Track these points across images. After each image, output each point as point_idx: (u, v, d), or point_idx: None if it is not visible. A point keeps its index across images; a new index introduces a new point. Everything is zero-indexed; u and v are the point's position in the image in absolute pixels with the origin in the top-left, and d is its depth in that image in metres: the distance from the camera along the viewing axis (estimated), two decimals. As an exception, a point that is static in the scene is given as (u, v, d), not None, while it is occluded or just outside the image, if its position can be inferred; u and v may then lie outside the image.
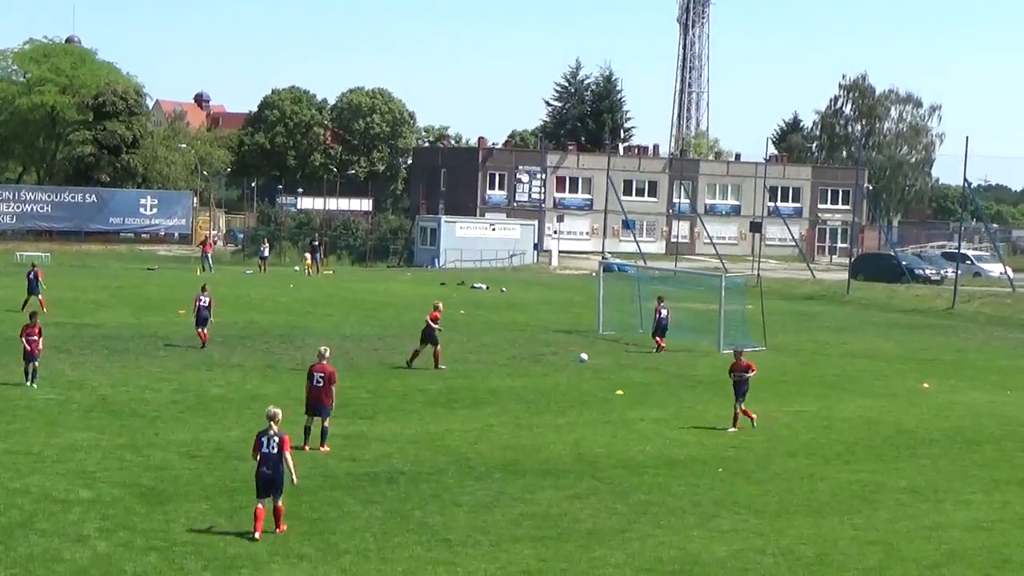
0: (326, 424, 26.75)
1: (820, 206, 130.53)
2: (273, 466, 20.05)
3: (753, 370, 31.34)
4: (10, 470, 23.70)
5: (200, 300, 42.31)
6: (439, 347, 39.17)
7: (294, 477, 20.38)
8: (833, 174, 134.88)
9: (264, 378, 35.84)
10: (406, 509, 22.08)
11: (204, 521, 20.76)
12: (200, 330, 41.98)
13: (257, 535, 19.64)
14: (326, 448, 26.47)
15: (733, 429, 30.55)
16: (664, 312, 45.45)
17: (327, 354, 27.52)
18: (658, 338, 45.30)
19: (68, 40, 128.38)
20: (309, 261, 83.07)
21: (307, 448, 26.25)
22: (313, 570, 18.59)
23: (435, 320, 39.06)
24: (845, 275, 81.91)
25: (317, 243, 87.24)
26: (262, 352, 41.34)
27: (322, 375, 26.79)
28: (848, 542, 21.12)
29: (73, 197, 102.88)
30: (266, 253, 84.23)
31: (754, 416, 30.94)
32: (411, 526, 21.02)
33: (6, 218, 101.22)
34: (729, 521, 22.20)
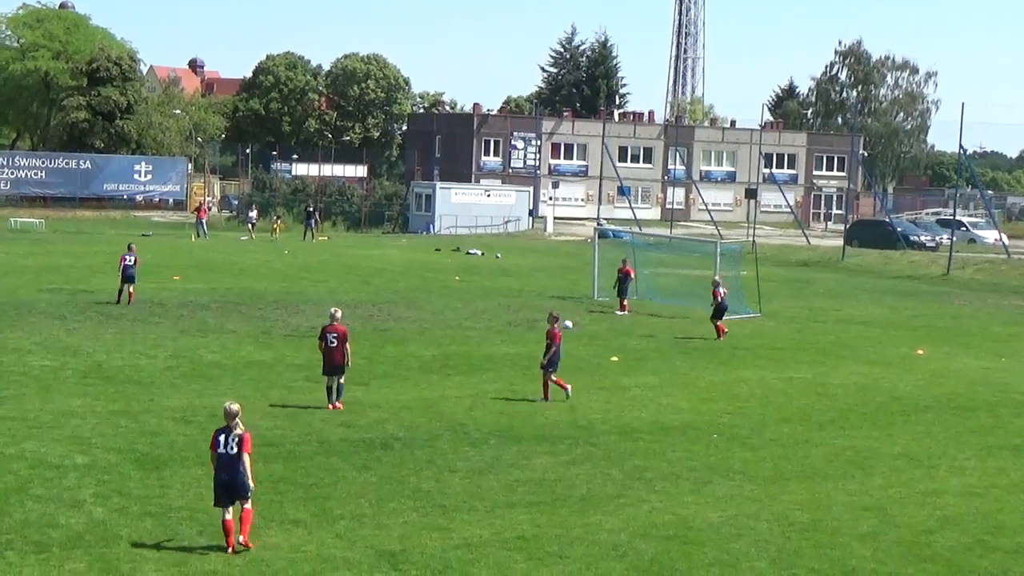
0: (341, 381, 27.37)
1: (815, 173, 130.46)
2: (232, 468, 18.05)
3: (557, 341, 29.58)
4: (5, 436, 23.71)
5: (125, 260, 43.40)
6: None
7: (251, 482, 18.16)
8: (828, 141, 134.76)
9: (258, 344, 35.84)
10: (401, 475, 22.11)
11: (199, 487, 20.76)
12: (127, 287, 43.17)
13: (230, 550, 17.79)
14: (339, 405, 27.11)
15: (545, 400, 29.15)
16: (723, 293, 41.83)
17: (338, 315, 27.87)
18: (718, 322, 41.23)
19: (61, 5, 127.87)
20: (277, 224, 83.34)
21: (330, 407, 27.02)
22: (308, 536, 18.61)
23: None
24: (840, 242, 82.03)
25: (312, 209, 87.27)
26: (257, 318, 41.33)
27: (335, 335, 27.25)
28: (842, 508, 21.16)
29: (67, 163, 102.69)
30: (255, 219, 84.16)
31: (567, 387, 29.45)
32: (406, 492, 21.05)
33: (0, 184, 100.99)
34: (723, 487, 22.25)
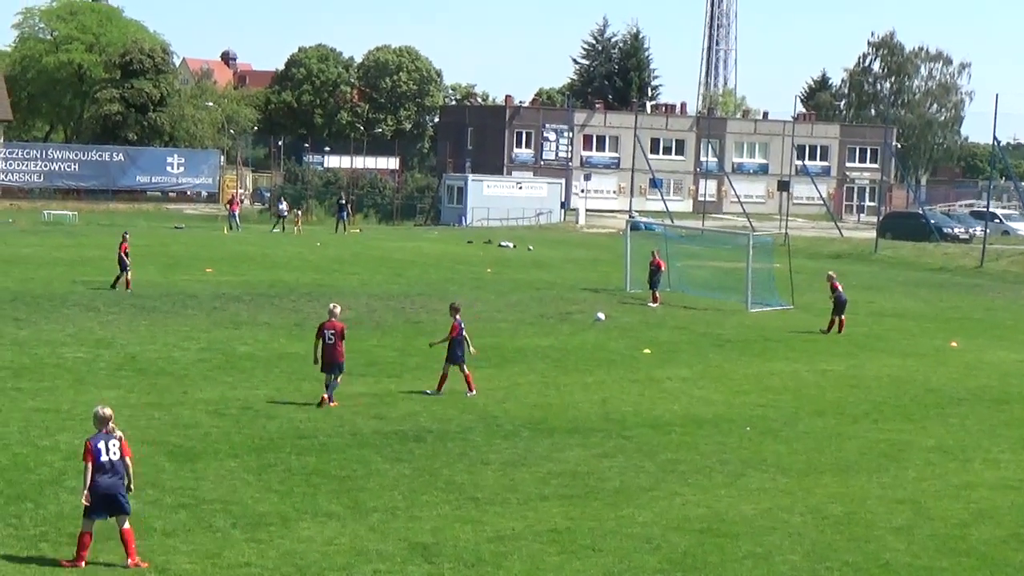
0: (338, 381, 27.13)
1: (848, 164, 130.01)
2: (117, 477, 16.72)
3: (454, 334, 28.73)
4: (39, 428, 23.81)
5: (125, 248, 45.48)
6: None
7: (131, 484, 17.06)
8: (861, 132, 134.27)
9: (291, 336, 35.88)
10: (434, 467, 22.11)
11: (233, 479, 20.83)
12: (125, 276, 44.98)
13: (82, 564, 16.59)
14: (334, 403, 26.82)
15: (436, 393, 28.41)
16: (840, 288, 41.79)
17: (337, 311, 27.76)
18: (840, 316, 41.28)
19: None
20: (297, 218, 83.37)
21: (329, 403, 26.72)
22: (342, 528, 18.63)
23: None
24: (873, 234, 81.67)
25: (344, 202, 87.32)
26: (289, 311, 41.39)
27: (332, 332, 27.02)
28: (876, 501, 21.07)
29: (100, 155, 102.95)
30: (285, 211, 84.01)
31: (474, 389, 28.47)
32: (439, 484, 21.05)
33: (34, 176, 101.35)
34: (757, 480, 22.18)
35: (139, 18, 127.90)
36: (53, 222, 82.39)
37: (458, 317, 29.02)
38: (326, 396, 26.86)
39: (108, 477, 16.72)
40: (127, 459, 16.94)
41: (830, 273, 43.25)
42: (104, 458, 16.70)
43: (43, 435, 23.27)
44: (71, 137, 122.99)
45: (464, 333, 28.82)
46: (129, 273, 45.19)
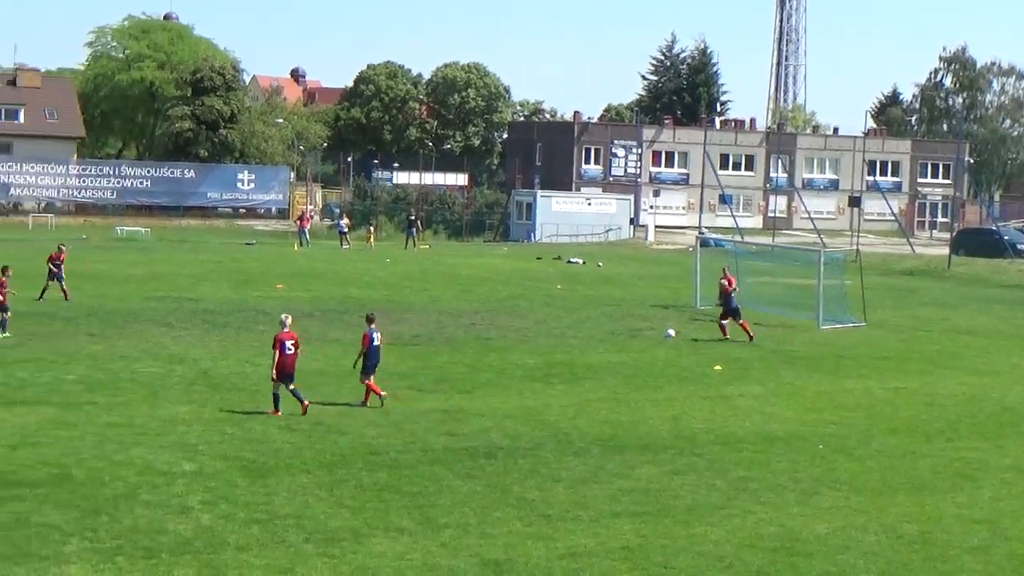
0: (295, 388, 27.12)
1: (920, 180, 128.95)
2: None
3: (364, 345, 28.99)
4: (114, 442, 24.01)
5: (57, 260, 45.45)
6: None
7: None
8: (933, 148, 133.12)
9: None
10: (505, 484, 22.10)
11: (305, 494, 20.90)
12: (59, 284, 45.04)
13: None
14: (307, 403, 27.15)
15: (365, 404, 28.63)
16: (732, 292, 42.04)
17: (289, 321, 27.90)
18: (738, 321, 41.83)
19: (166, 16, 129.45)
20: (370, 233, 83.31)
21: (279, 414, 26.87)
22: (413, 544, 18.65)
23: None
24: (946, 250, 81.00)
25: (413, 217, 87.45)
26: (359, 327, 41.25)
27: (293, 342, 27.17)
28: (952, 520, 20.85)
29: (172, 172, 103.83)
30: (345, 228, 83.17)
31: (383, 394, 28.63)
32: (510, 501, 21.04)
33: (107, 193, 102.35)
34: (830, 498, 22.02)
35: (209, 36, 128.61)
36: (126, 238, 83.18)
37: (373, 326, 29.29)
38: (278, 413, 26.95)
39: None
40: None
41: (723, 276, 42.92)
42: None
43: (118, 449, 23.46)
44: (143, 154, 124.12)
45: (376, 344, 28.83)
46: (64, 283, 45.22)
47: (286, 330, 27.44)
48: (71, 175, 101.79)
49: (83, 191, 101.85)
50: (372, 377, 28.74)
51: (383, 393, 28.58)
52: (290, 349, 27.11)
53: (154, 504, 20.09)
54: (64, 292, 44.80)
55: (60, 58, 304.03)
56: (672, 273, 66.30)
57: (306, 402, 27.16)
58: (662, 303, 51.47)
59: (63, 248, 46.45)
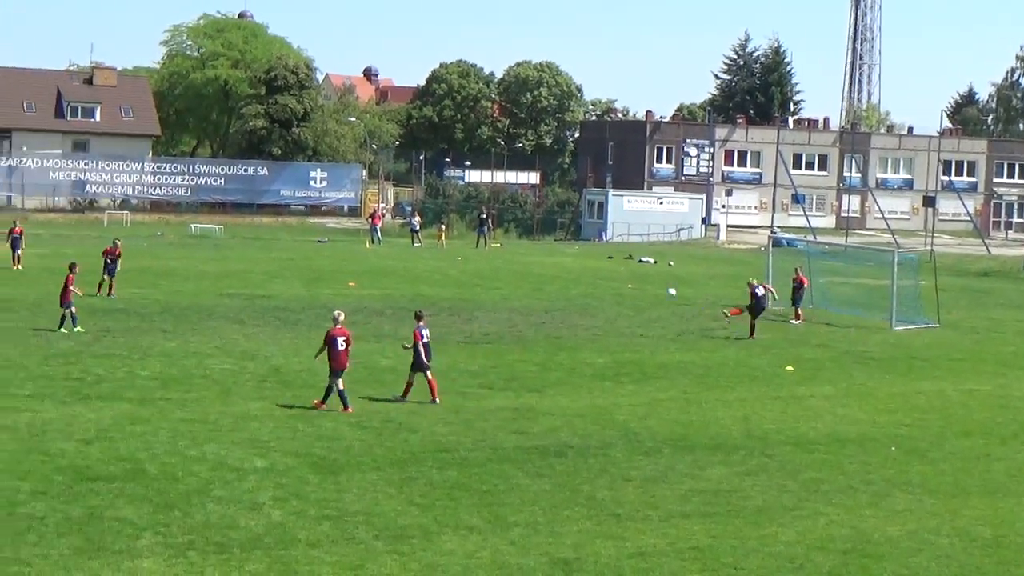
0: (343, 390, 27.32)
1: (996, 180, 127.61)
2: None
3: (416, 340, 28.86)
4: (187, 438, 24.21)
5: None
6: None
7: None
8: (1010, 147, 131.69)
9: (432, 350, 35.99)
10: (575, 483, 22.09)
11: (375, 491, 20.98)
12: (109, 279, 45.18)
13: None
14: (325, 405, 27.36)
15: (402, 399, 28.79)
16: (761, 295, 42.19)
17: (341, 318, 28.05)
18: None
19: (240, 15, 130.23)
20: (440, 231, 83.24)
21: (324, 407, 27.22)
22: (483, 541, 18.68)
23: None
24: (1022, 251, 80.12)
25: (485, 216, 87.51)
26: (430, 325, 41.49)
27: (345, 338, 27.37)
28: (1026, 524, 20.66)
29: (245, 170, 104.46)
30: (417, 225, 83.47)
31: (437, 399, 28.54)
32: (580, 500, 21.03)
33: (181, 191, 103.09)
34: (902, 500, 21.85)
35: (283, 35, 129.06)
36: (200, 235, 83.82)
37: (423, 323, 29.30)
38: (324, 405, 27.31)
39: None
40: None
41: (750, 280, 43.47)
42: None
43: (190, 445, 23.65)
44: (217, 152, 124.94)
45: (426, 341, 28.86)
46: (115, 279, 45.45)
47: (338, 326, 27.61)
48: (146, 172, 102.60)
49: (158, 188, 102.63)
50: (429, 373, 28.80)
51: (437, 398, 28.65)
52: (341, 346, 27.28)
53: (226, 500, 20.23)
54: (110, 287, 45.06)
55: (136, 57, 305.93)
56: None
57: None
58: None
59: (118, 243, 46.65)
